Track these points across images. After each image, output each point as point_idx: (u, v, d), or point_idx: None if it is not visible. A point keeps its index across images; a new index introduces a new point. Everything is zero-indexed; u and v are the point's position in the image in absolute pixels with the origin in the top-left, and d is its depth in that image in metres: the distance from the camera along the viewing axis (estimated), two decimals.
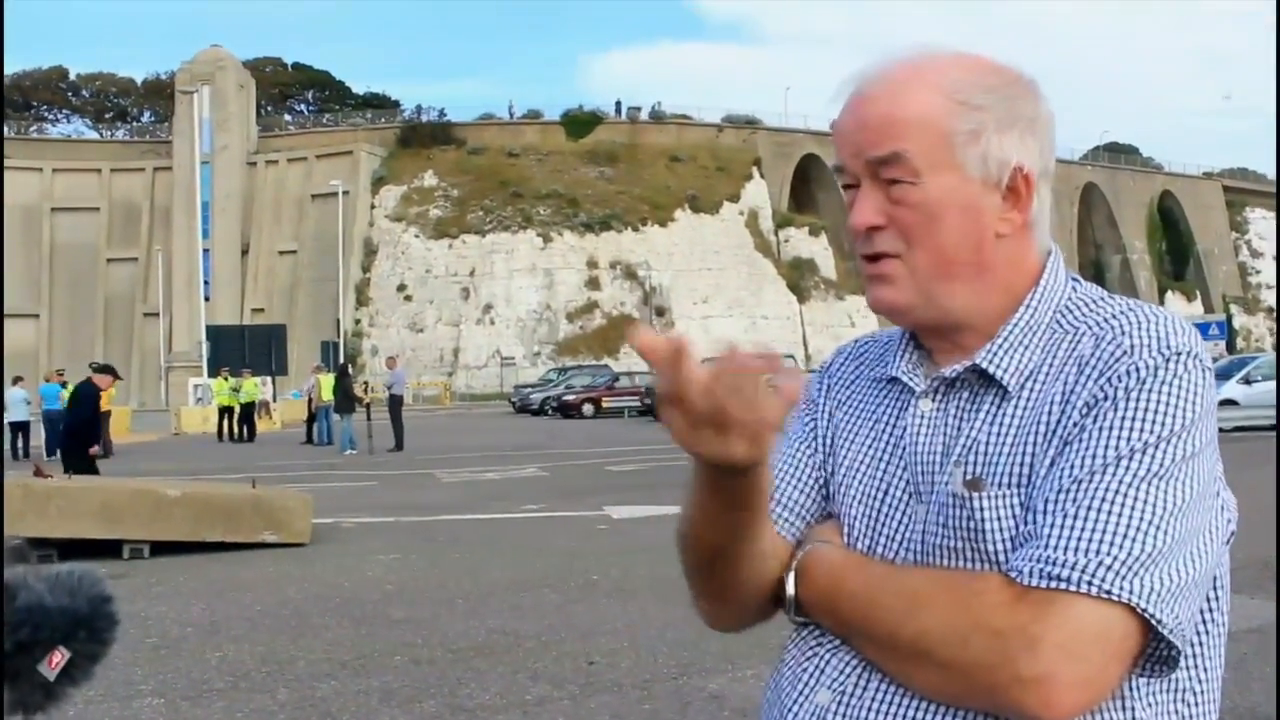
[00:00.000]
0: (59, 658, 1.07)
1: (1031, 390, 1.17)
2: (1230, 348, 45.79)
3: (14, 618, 1.06)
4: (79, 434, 13.32)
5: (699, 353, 0.98)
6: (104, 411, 25.90)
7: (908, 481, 1.22)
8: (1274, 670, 5.42)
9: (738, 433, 1.01)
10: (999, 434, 1.17)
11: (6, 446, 24.75)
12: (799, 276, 77.27)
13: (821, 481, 1.31)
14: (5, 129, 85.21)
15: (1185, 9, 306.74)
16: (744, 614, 1.29)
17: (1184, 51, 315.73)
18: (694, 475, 1.14)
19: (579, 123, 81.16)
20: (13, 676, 1.05)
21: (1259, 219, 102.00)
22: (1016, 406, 1.17)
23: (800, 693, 1.22)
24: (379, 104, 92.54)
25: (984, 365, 1.19)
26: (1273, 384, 23.12)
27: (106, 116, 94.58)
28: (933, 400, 1.23)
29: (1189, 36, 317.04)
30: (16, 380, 27.88)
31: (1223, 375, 22.24)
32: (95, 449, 13.42)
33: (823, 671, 1.21)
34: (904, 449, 1.23)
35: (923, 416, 1.23)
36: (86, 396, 13.53)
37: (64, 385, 26.61)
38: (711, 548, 1.21)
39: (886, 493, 1.23)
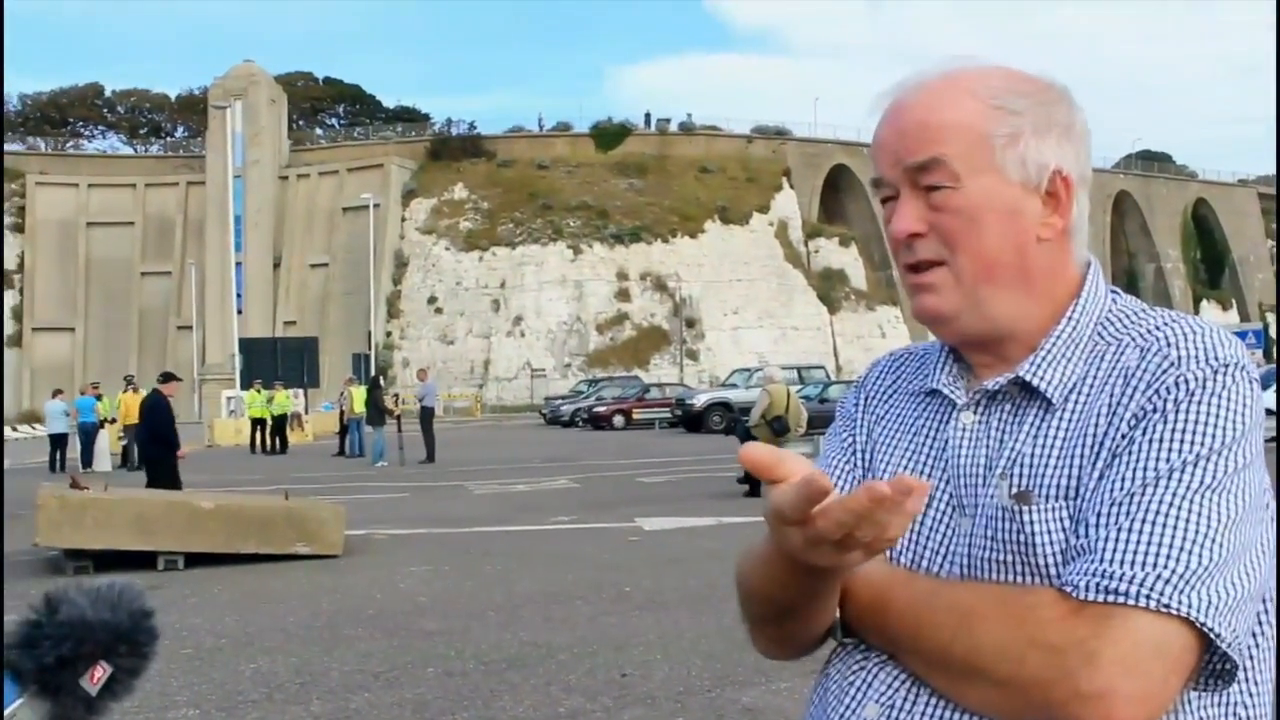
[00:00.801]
0: (100, 672, 1.07)
1: (1076, 403, 1.16)
2: (1267, 355, 45.30)
3: (57, 631, 1.06)
4: (164, 442, 13.92)
5: (821, 481, 0.96)
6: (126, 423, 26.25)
7: (951, 495, 1.21)
8: None
9: (860, 549, 1.00)
10: (1044, 447, 1.16)
11: (23, 459, 25.05)
12: (829, 287, 77.07)
13: None
14: (42, 145, 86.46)
15: (1218, 17, 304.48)
16: (804, 650, 1.28)
17: (1216, 59, 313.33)
18: (771, 544, 1.10)
19: (608, 134, 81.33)
20: (55, 691, 1.05)
21: None
22: (1061, 419, 1.16)
23: (847, 706, 1.20)
24: (409, 117, 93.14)
25: (1027, 377, 1.18)
26: None
27: (141, 132, 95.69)
28: (974, 413, 1.22)
29: (1221, 44, 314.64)
30: (56, 393, 28.20)
31: (1260, 384, 21.96)
32: (183, 451, 14.10)
33: (870, 685, 1.19)
34: (946, 462, 1.23)
35: (965, 429, 1.22)
36: (158, 406, 14.23)
37: (99, 398, 26.92)
38: (784, 606, 1.20)
39: (930, 506, 1.22)
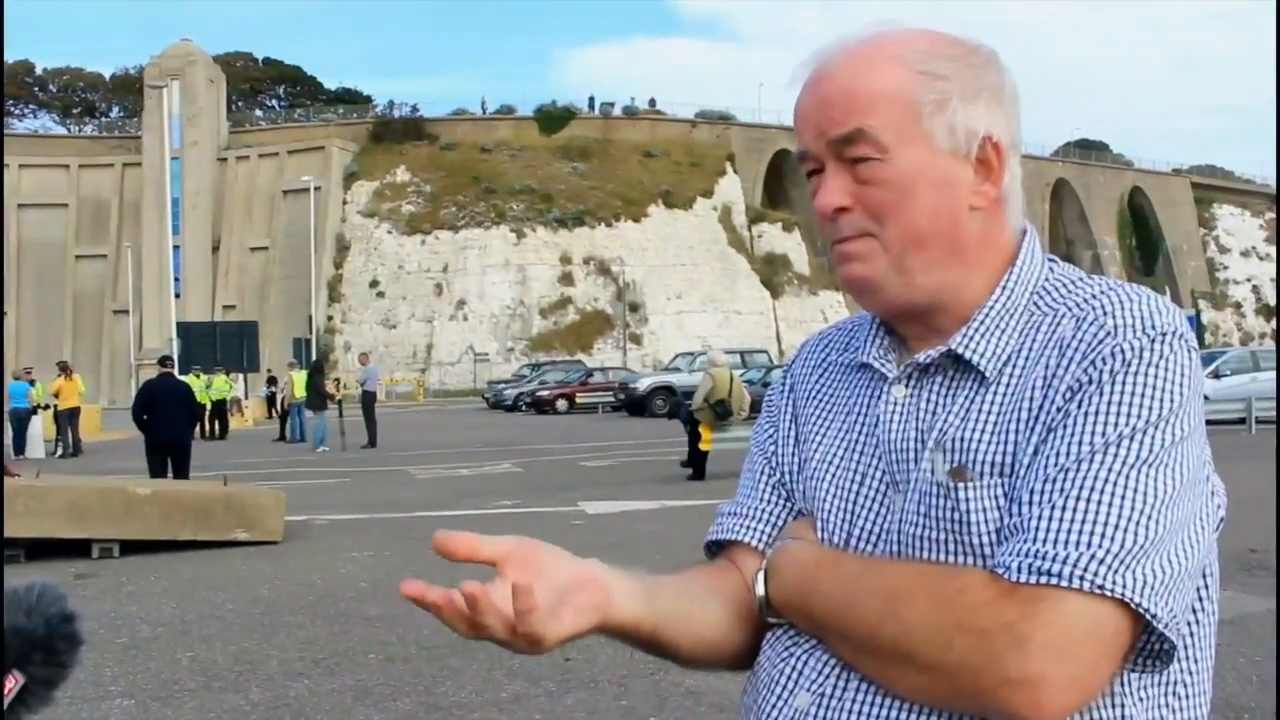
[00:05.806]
0: (12, 683, 1.00)
1: (1010, 375, 1.13)
2: (1201, 342, 46.25)
3: None
4: (195, 426, 13.96)
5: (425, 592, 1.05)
6: (74, 409, 25.83)
7: (884, 471, 1.17)
8: (1248, 661, 5.46)
9: (513, 648, 1.07)
10: (977, 421, 1.12)
11: None
12: (772, 272, 77.37)
13: (779, 486, 1.28)
14: None
15: (1156, 8, 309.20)
16: (727, 665, 1.27)
17: (1154, 50, 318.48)
18: None
19: (552, 118, 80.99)
20: None
21: (1226, 215, 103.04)
22: (995, 393, 1.12)
23: (779, 696, 1.17)
24: (351, 99, 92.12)
25: (959, 350, 1.15)
26: (1241, 379, 23.67)
27: (74, 112, 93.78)
28: (906, 387, 1.18)
29: (1160, 35, 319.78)
30: None
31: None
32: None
33: (800, 673, 1.16)
34: (878, 438, 1.19)
35: (896, 404, 1.18)
36: (188, 390, 14.42)
37: (32, 384, 26.36)
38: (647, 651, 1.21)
39: (862, 484, 1.19)
